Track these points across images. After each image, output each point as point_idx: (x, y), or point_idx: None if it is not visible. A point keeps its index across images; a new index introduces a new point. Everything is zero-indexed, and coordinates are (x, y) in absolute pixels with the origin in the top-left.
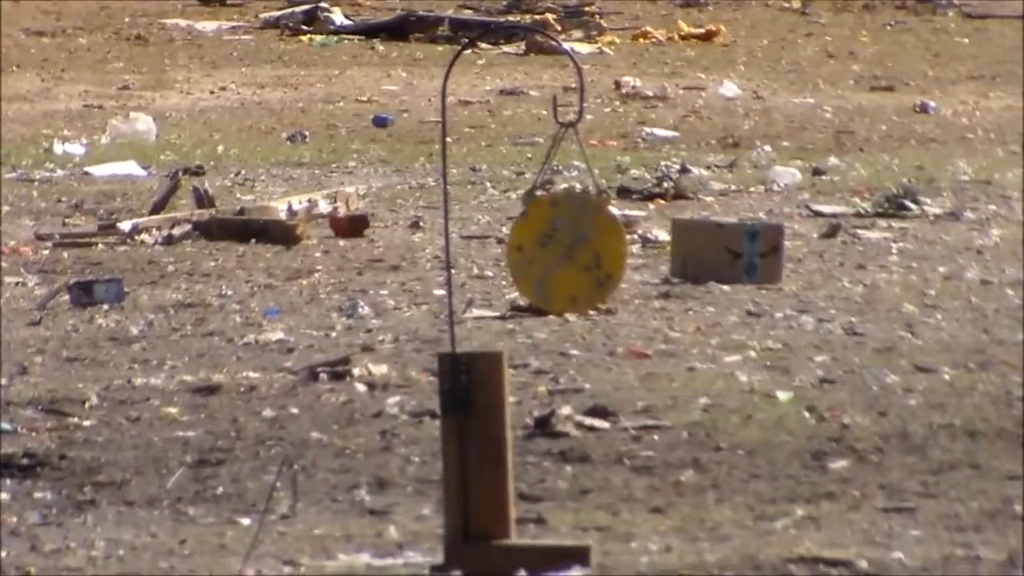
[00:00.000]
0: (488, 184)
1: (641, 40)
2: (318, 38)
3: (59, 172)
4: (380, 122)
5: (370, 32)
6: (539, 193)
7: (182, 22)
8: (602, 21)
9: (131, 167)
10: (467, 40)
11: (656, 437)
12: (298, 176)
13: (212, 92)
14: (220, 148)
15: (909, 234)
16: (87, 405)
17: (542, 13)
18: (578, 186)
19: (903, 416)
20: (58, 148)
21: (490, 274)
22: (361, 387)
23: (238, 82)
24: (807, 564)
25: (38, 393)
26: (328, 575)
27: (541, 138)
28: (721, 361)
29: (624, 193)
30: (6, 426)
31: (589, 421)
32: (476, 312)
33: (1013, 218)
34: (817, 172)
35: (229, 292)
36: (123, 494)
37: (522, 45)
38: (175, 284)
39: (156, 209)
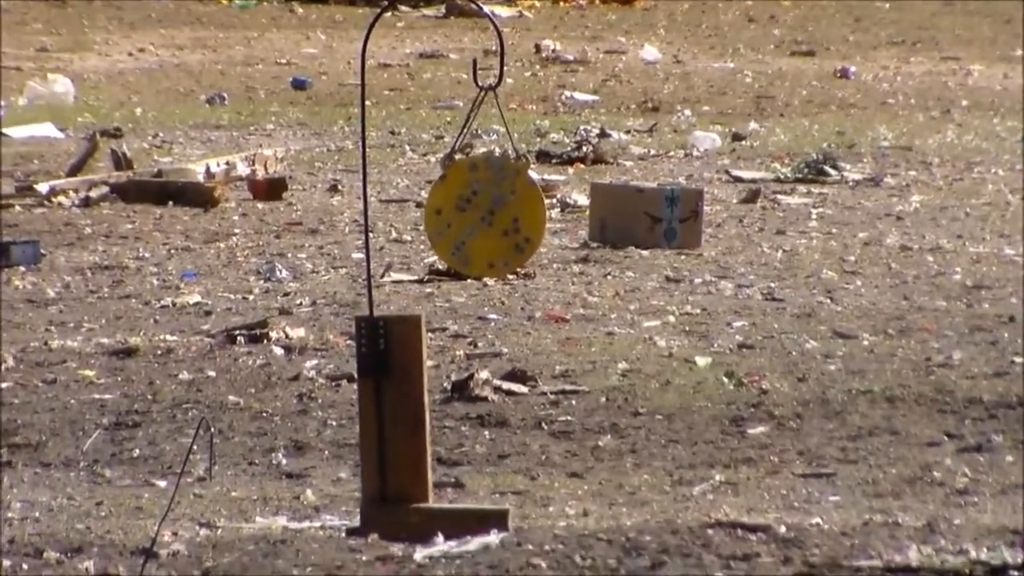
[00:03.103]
0: (407, 148)
1: (562, 3)
2: (237, 0)
3: None
4: (299, 85)
5: None
6: (458, 157)
7: None
8: None
9: (48, 129)
10: (387, 2)
11: (574, 402)
12: (216, 138)
13: (131, 54)
14: (138, 110)
15: (829, 200)
16: (3, 367)
17: None
18: (497, 150)
19: (822, 382)
20: None
21: (408, 238)
22: (278, 350)
23: (157, 44)
24: (725, 529)
25: None
26: (245, 537)
27: (461, 101)
28: (640, 326)
29: (543, 157)
30: None
31: (507, 386)
32: (394, 276)
33: (933, 184)
34: (737, 137)
35: (146, 254)
36: (39, 456)
37: (442, 8)
38: (92, 246)
39: (73, 171)
